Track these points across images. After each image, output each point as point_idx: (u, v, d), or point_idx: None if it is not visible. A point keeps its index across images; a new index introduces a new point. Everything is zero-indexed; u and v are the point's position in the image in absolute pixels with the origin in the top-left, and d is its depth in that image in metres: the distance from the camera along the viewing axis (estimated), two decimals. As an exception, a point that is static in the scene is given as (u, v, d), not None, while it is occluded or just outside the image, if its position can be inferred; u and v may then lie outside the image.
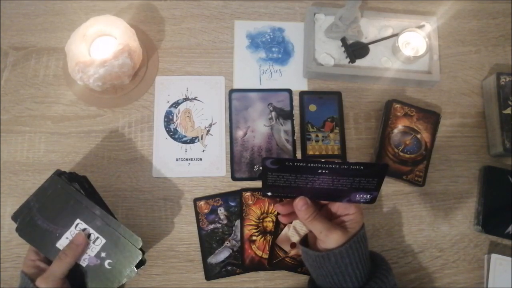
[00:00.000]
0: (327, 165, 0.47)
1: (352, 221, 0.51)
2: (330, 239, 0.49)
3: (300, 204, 0.51)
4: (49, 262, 0.53)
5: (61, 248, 0.53)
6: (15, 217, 0.55)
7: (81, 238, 0.52)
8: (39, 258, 0.54)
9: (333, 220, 0.53)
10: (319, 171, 0.48)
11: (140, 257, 0.54)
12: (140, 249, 0.54)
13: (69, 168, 0.65)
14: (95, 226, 0.53)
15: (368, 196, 0.51)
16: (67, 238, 0.53)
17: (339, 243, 0.49)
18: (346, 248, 0.49)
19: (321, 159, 0.65)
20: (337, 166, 0.47)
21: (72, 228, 0.53)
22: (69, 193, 0.54)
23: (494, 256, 0.64)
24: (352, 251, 0.49)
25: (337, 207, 0.53)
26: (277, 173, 0.49)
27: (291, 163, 0.48)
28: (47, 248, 0.53)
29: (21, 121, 0.68)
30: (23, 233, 0.54)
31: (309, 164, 0.47)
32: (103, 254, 0.53)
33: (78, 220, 0.54)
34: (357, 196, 0.51)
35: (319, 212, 0.51)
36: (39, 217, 0.53)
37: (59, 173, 0.57)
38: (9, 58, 0.70)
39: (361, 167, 0.47)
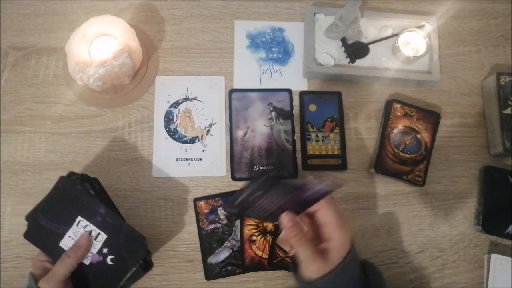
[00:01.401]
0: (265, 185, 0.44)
1: (334, 249, 0.46)
2: (310, 270, 0.46)
3: (286, 219, 0.46)
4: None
5: (64, 247, 0.53)
6: (26, 219, 0.55)
7: (83, 241, 0.52)
8: (47, 260, 0.54)
9: (320, 243, 0.48)
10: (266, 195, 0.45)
11: (143, 254, 0.54)
12: (146, 249, 0.54)
13: (69, 168, 0.65)
14: (96, 222, 0.53)
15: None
16: (69, 236, 0.53)
17: (320, 274, 0.46)
18: (327, 280, 0.45)
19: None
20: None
21: (74, 226, 0.53)
22: (71, 192, 0.54)
23: (494, 256, 0.64)
24: (336, 281, 0.46)
25: (323, 222, 0.48)
26: (243, 211, 0.47)
27: (240, 200, 0.45)
28: (51, 248, 0.53)
29: (21, 121, 0.67)
30: (28, 236, 0.54)
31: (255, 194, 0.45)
32: (105, 250, 0.53)
33: (79, 218, 0.54)
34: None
35: (305, 235, 0.47)
36: (43, 218, 0.54)
37: (69, 174, 0.57)
38: (9, 58, 0.70)
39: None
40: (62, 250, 0.53)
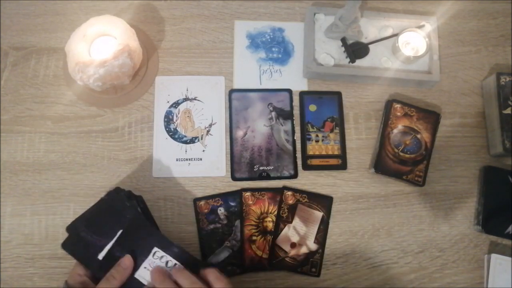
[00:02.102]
0: None
1: None
2: None
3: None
4: (94, 279, 0.51)
5: (102, 258, 0.51)
6: (67, 230, 0.54)
7: (128, 262, 0.51)
8: (86, 274, 0.52)
9: None
10: None
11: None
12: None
13: (69, 168, 0.65)
14: (173, 253, 0.52)
15: None
16: (109, 250, 0.52)
17: None
18: None
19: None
20: None
21: (115, 239, 0.52)
22: (117, 206, 0.53)
23: (494, 256, 0.64)
24: None
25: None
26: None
27: None
28: (88, 260, 0.52)
29: (21, 121, 0.67)
30: (66, 246, 0.53)
31: None
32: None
33: (121, 231, 0.52)
34: None
35: None
36: (84, 229, 0.53)
37: (116, 190, 0.56)
38: (9, 58, 0.70)
39: None
40: (100, 262, 0.51)
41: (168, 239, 0.52)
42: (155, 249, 0.52)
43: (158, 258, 0.52)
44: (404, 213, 0.67)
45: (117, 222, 0.53)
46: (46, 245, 0.62)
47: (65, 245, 0.53)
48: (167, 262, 0.52)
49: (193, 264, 0.51)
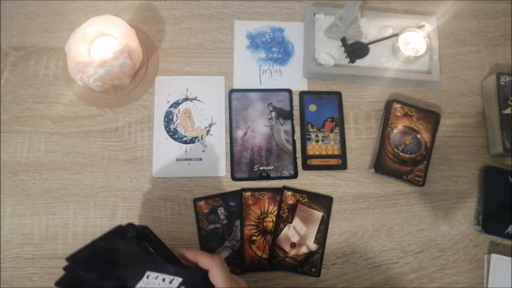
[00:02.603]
0: None
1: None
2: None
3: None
4: None
5: None
6: (64, 269, 0.50)
7: None
8: None
9: None
10: None
11: None
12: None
13: (69, 168, 0.65)
14: (169, 272, 0.49)
15: None
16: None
17: None
18: None
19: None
20: None
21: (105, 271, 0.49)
22: (119, 248, 0.50)
23: (494, 256, 0.64)
24: None
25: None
26: None
27: None
28: None
29: (21, 121, 0.67)
30: (61, 284, 0.49)
31: None
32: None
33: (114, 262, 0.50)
34: None
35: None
36: (80, 269, 0.49)
37: (119, 232, 0.52)
38: (9, 58, 0.70)
39: None
40: None
41: (162, 262, 0.50)
42: (148, 272, 0.49)
43: (153, 278, 0.50)
44: (404, 213, 0.67)
45: (120, 261, 0.50)
46: (46, 245, 0.62)
47: (61, 283, 0.49)
48: (164, 279, 0.51)
49: (194, 278, 0.51)
